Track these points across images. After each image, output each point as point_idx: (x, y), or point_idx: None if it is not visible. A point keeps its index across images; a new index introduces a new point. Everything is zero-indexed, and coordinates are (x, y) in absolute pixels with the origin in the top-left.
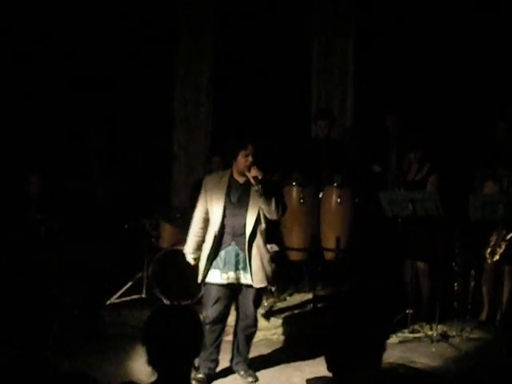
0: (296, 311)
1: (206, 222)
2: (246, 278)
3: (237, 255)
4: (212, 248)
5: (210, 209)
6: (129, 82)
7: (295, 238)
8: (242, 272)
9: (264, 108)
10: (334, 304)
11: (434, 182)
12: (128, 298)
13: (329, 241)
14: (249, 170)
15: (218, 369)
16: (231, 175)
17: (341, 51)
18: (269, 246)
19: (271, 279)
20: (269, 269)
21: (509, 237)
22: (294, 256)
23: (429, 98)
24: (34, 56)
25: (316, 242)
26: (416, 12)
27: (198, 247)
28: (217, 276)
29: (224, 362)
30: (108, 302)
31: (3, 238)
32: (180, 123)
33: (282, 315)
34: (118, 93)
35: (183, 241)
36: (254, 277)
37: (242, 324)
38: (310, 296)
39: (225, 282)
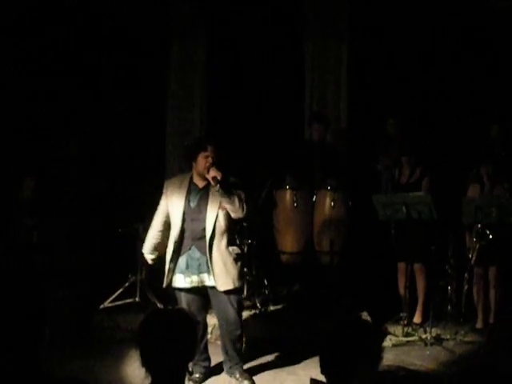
0: (290, 314)
1: (167, 225)
2: (210, 281)
3: (198, 259)
4: (174, 252)
5: (171, 213)
6: (124, 85)
7: (289, 241)
8: (206, 275)
9: (257, 111)
10: (329, 310)
11: (426, 186)
12: (121, 302)
13: (323, 244)
14: (208, 172)
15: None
16: (191, 179)
17: (334, 54)
18: (230, 249)
19: (237, 281)
20: (233, 271)
21: (490, 237)
22: (287, 259)
23: (422, 101)
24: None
25: (310, 246)
26: (411, 15)
27: (155, 249)
28: (181, 280)
29: (217, 363)
30: (101, 306)
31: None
32: (171, 126)
33: (275, 318)
34: (114, 96)
35: None
36: (216, 279)
37: (224, 329)
38: (302, 299)
39: (188, 285)
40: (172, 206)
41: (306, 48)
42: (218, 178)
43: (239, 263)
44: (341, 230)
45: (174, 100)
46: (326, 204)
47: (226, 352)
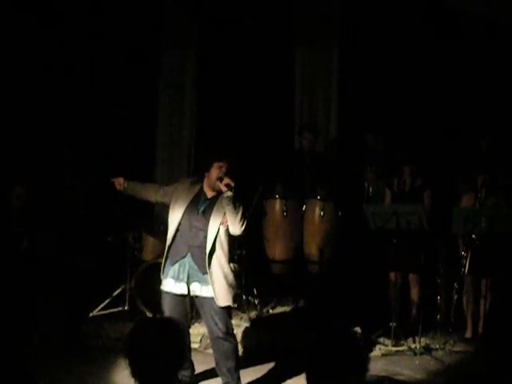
0: (279, 324)
1: (154, 194)
2: (202, 292)
3: (191, 267)
4: (168, 255)
5: (171, 210)
6: (112, 93)
7: (278, 250)
8: (197, 285)
9: (247, 120)
10: (315, 320)
11: (429, 200)
12: (111, 311)
13: (312, 253)
14: (221, 181)
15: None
16: (202, 187)
17: (324, 63)
18: (232, 265)
19: (236, 298)
20: (234, 288)
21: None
22: (277, 269)
23: (413, 110)
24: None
25: (299, 255)
26: (402, 25)
27: (132, 185)
28: (171, 284)
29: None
30: (90, 315)
31: None
32: (164, 133)
33: (265, 328)
34: (105, 103)
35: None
36: (217, 295)
37: (213, 341)
38: (292, 309)
39: (178, 291)
40: (175, 203)
41: (295, 57)
42: (232, 185)
43: (234, 280)
44: (330, 240)
45: (164, 110)
46: (316, 213)
47: (218, 368)
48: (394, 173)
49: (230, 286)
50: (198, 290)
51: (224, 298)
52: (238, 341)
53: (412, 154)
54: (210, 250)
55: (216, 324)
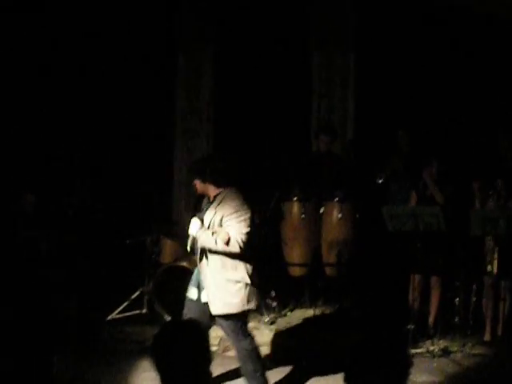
0: (297, 327)
1: None
2: (203, 297)
3: (198, 273)
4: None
5: None
6: (129, 89)
7: (296, 253)
8: (202, 292)
9: (264, 122)
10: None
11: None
12: (129, 314)
13: (330, 256)
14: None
15: None
16: None
17: (341, 64)
18: (227, 274)
19: (233, 306)
20: (228, 297)
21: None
22: (295, 271)
23: (431, 111)
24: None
25: (317, 257)
26: (418, 24)
27: None
28: (189, 289)
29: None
30: (109, 318)
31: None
32: (181, 135)
33: (283, 331)
34: (122, 106)
35: (184, 256)
36: (211, 301)
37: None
38: (310, 311)
39: (191, 296)
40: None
41: (312, 59)
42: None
43: (237, 288)
44: (348, 242)
45: (181, 112)
46: (334, 216)
47: (241, 370)
48: (419, 174)
49: (225, 293)
50: (203, 295)
51: (216, 306)
52: (256, 344)
53: (435, 155)
54: (200, 255)
55: (223, 328)
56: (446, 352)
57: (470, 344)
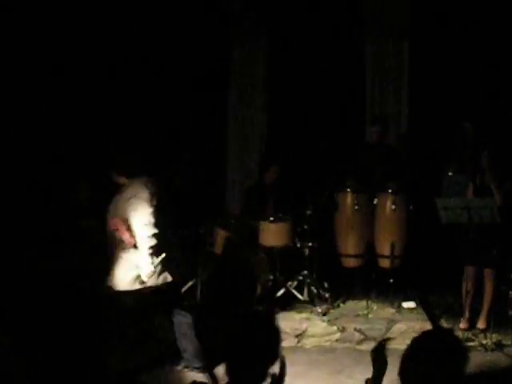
0: (349, 318)
1: None
2: None
3: None
4: None
5: None
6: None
7: (350, 244)
8: None
9: (318, 113)
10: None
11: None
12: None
13: (383, 247)
14: None
15: None
16: None
17: (396, 54)
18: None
19: None
20: None
21: None
22: (348, 262)
23: (488, 102)
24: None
25: (370, 249)
26: (475, 14)
27: None
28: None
29: None
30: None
31: (61, 246)
32: (234, 126)
33: (336, 322)
34: (174, 97)
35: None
36: None
37: None
38: (363, 303)
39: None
40: None
41: (367, 49)
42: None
43: None
44: (402, 234)
45: (235, 105)
46: (387, 207)
47: None
48: (477, 165)
49: None
50: None
51: None
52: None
53: (493, 146)
54: None
55: None
56: (499, 346)
57: None
